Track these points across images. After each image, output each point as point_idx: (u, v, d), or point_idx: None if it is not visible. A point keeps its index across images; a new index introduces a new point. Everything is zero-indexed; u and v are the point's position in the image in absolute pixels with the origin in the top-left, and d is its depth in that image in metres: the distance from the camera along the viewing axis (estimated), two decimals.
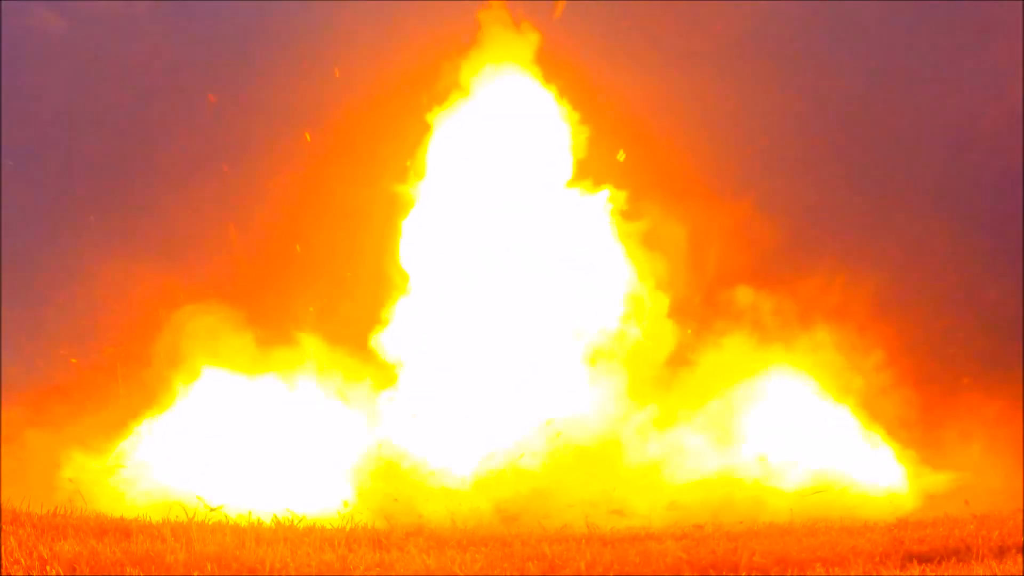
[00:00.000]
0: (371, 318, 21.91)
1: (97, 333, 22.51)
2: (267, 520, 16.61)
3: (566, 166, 22.41)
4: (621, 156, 22.39)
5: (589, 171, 22.30)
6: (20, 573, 12.04)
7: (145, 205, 23.82)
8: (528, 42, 22.54)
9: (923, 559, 13.36)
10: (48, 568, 12.09)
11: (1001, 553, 13.42)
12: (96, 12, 23.91)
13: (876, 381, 21.86)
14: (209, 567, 12.42)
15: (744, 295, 22.48)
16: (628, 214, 22.27)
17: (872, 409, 21.68)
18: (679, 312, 21.98)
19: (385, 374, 21.69)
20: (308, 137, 22.99)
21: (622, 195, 22.26)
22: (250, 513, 17.02)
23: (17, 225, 23.16)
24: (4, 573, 12.08)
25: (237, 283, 22.44)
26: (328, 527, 16.02)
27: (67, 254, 23.25)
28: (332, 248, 23.21)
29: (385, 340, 21.78)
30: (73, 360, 22.21)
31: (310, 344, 21.57)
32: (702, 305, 22.30)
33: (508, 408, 21.03)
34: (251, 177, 23.34)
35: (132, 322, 21.90)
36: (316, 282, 22.95)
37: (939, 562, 13.27)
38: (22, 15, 23.71)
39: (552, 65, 22.57)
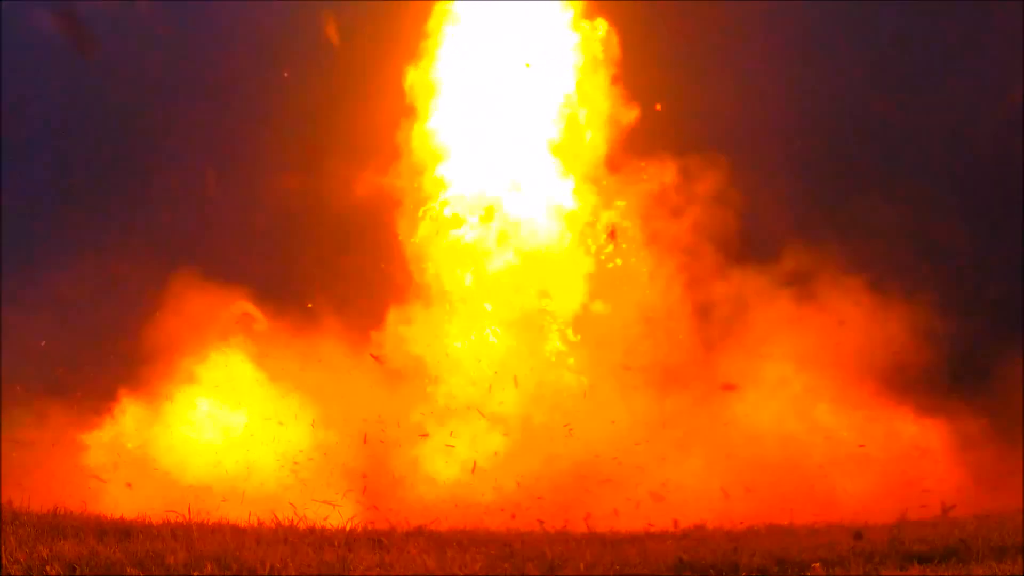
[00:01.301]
0: (375, 305, 21.74)
1: (95, 327, 22.46)
2: (267, 520, 16.60)
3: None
4: (658, 107, 22.03)
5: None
6: (20, 573, 12.04)
7: (145, 202, 23.78)
8: None
9: (923, 559, 13.35)
10: (48, 568, 12.09)
11: (1001, 553, 13.41)
12: (96, 12, 23.86)
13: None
14: (209, 567, 12.42)
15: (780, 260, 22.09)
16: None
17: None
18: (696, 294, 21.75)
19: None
20: (285, 74, 22.69)
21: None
22: (250, 513, 17.03)
23: (17, 223, 23.15)
24: (4, 573, 12.08)
25: (239, 270, 22.25)
26: (328, 527, 16.00)
27: (67, 251, 23.22)
28: (336, 236, 22.98)
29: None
30: (42, 343, 22.12)
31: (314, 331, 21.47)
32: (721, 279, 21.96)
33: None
34: (252, 173, 23.26)
35: (130, 316, 21.80)
36: (319, 269, 22.79)
37: (939, 562, 13.26)
38: (22, 15, 23.69)
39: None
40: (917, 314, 21.40)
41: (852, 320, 21.62)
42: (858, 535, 17.15)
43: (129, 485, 19.89)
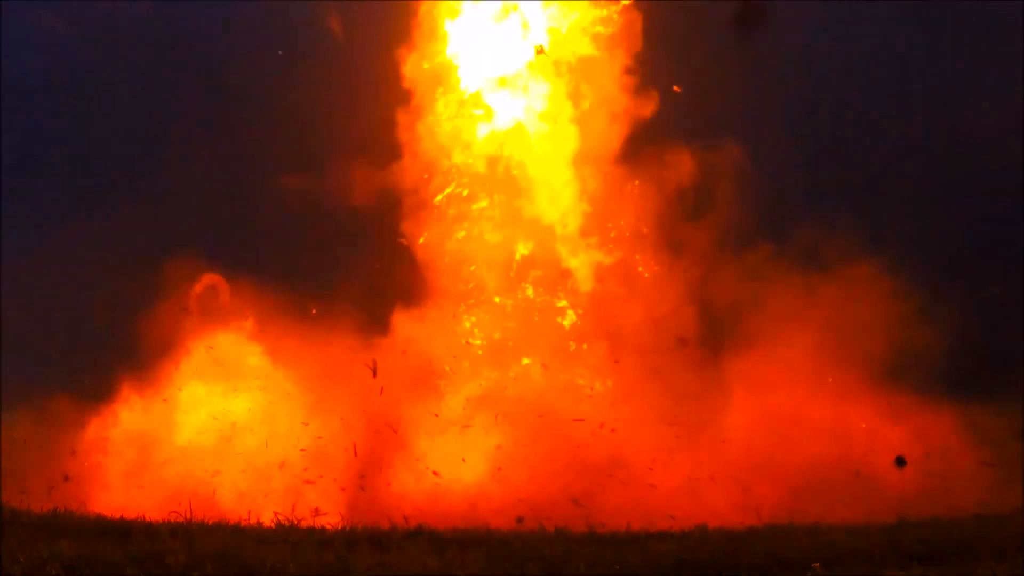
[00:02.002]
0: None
1: (101, 326, 22.41)
2: (267, 520, 16.60)
3: None
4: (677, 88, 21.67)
5: None
6: (20, 573, 12.04)
7: (145, 201, 23.76)
8: None
9: (923, 559, 13.34)
10: (48, 568, 12.09)
11: (1001, 553, 13.40)
12: (96, 12, 23.87)
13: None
14: (209, 567, 12.42)
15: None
16: None
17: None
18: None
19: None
20: (279, 53, 22.39)
21: None
22: (249, 513, 17.02)
23: (17, 224, 23.15)
24: (4, 573, 12.08)
25: (246, 268, 22.07)
26: (328, 527, 16.00)
27: (67, 252, 23.23)
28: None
29: None
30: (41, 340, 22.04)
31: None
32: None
33: None
34: (257, 169, 23.19)
35: (135, 314, 21.71)
36: (326, 266, 22.58)
37: (939, 562, 13.25)
38: (22, 15, 23.70)
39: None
40: (943, 307, 21.03)
41: (876, 314, 21.18)
42: (901, 461, 16.86)
43: (67, 479, 19.64)
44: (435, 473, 19.39)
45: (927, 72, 23.70)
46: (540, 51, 21.29)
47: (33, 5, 23.80)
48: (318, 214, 22.43)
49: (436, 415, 20.21)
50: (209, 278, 21.42)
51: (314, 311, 21.42)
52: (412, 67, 21.77)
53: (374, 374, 20.19)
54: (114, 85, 23.88)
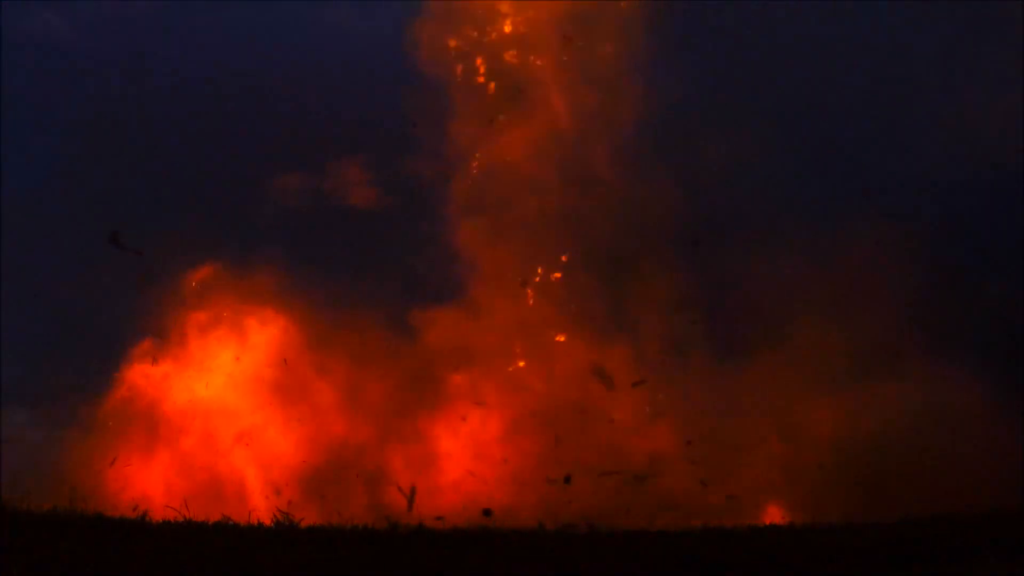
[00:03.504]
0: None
1: (113, 325, 22.36)
2: (267, 520, 16.63)
3: None
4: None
5: None
6: (20, 573, 12.06)
7: (145, 202, 23.79)
8: None
9: (923, 559, 13.37)
10: (48, 568, 12.11)
11: (1002, 553, 13.42)
12: (96, 12, 23.95)
13: None
14: (209, 567, 12.44)
15: None
16: None
17: None
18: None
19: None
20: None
21: None
22: (249, 513, 17.05)
23: (16, 224, 23.17)
24: (4, 573, 12.10)
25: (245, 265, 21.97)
26: (328, 527, 16.01)
27: (66, 252, 23.26)
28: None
29: None
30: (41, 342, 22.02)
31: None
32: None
33: None
34: (254, 175, 23.18)
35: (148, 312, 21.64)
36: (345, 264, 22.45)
37: (939, 562, 13.27)
38: (22, 15, 23.76)
39: None
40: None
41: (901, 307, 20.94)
42: None
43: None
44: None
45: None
46: (569, 41, 21.18)
47: (33, 5, 23.87)
48: (336, 216, 22.39)
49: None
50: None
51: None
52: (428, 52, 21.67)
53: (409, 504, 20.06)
54: (117, 80, 23.95)
